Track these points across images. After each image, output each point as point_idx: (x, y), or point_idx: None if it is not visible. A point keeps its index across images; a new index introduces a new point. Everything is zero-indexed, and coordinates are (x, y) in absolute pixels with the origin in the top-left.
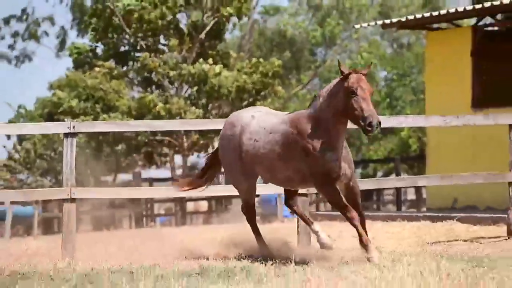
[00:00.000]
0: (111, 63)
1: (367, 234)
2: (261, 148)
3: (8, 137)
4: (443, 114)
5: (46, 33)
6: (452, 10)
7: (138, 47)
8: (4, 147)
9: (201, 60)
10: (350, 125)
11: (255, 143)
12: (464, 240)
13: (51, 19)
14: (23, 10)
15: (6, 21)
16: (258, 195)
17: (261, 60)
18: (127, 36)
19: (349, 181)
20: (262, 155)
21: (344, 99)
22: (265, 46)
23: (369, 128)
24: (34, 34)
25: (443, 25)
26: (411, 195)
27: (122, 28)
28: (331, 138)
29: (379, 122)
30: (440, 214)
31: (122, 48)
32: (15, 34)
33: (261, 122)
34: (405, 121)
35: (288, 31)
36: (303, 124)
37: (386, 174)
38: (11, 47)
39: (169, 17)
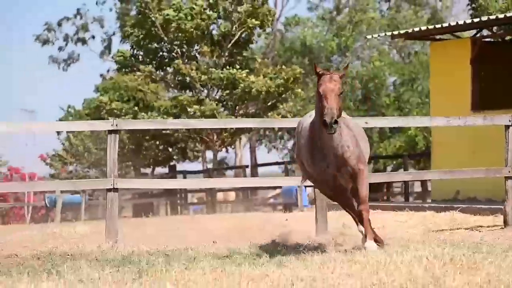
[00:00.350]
0: (150, 68)
1: (361, 222)
2: (302, 145)
3: (58, 133)
4: (446, 115)
5: (93, 37)
6: (453, 23)
7: (174, 54)
8: (58, 138)
9: (228, 66)
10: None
11: (301, 140)
12: (465, 229)
13: (100, 21)
14: (78, 10)
15: (59, 23)
16: (280, 186)
17: (284, 67)
18: (165, 44)
19: (350, 176)
20: (302, 150)
21: (316, 99)
22: (286, 54)
23: (324, 126)
24: (83, 39)
25: (446, 36)
26: (417, 188)
27: (160, 37)
28: (322, 140)
29: (334, 121)
30: (443, 205)
31: (160, 54)
32: (66, 37)
33: (307, 121)
34: (412, 121)
35: (307, 40)
36: (311, 125)
37: (395, 169)
38: (61, 49)
39: (203, 28)
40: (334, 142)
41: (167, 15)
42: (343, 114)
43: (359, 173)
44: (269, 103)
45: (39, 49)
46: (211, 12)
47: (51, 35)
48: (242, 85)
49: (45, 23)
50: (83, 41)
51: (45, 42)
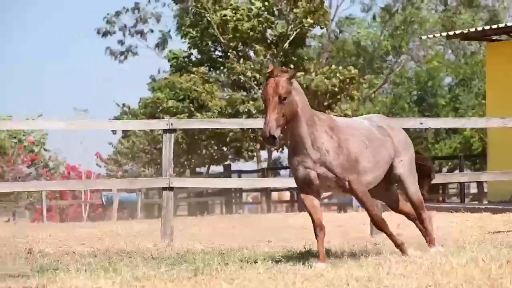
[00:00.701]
0: (204, 68)
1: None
2: None
3: (114, 132)
4: (502, 116)
5: (152, 30)
6: (510, 24)
7: (229, 53)
8: (110, 143)
9: (283, 66)
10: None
11: None
12: None
13: (157, 17)
14: (136, 4)
15: (117, 14)
16: None
17: (340, 68)
18: (220, 44)
19: (339, 185)
20: None
21: None
22: (339, 55)
23: (262, 139)
24: (141, 31)
25: (502, 36)
26: (473, 189)
27: (216, 37)
28: (291, 143)
29: (271, 136)
30: (500, 206)
31: (214, 54)
32: (123, 28)
33: None
34: (468, 123)
35: (361, 41)
36: None
37: (451, 170)
38: (121, 42)
39: (259, 29)
40: (306, 143)
41: (224, 15)
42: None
43: (349, 186)
44: (324, 103)
45: (95, 44)
46: (268, 16)
47: (110, 27)
48: (298, 81)
49: (105, 16)
50: (141, 34)
51: (105, 34)
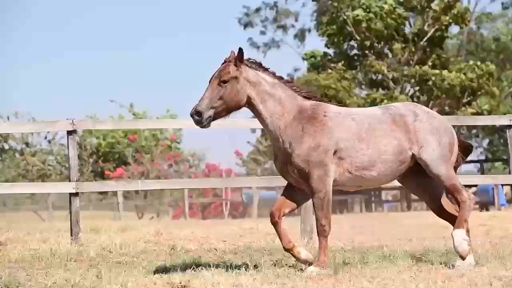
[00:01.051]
0: (341, 66)
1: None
2: None
3: (253, 130)
4: None
5: (293, 26)
6: None
7: (366, 52)
8: (248, 142)
9: (420, 64)
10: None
11: None
12: None
13: (295, 15)
14: (275, 3)
15: (257, 10)
16: (476, 185)
17: (478, 63)
18: (356, 42)
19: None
20: None
21: None
22: (478, 51)
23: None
24: (283, 26)
25: None
26: None
27: (352, 35)
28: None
29: (195, 112)
30: None
31: (351, 52)
32: (265, 20)
33: None
34: None
35: (501, 37)
36: None
37: None
38: (263, 33)
39: (394, 27)
40: (273, 135)
41: (357, 15)
42: (332, 108)
43: (308, 181)
44: (465, 100)
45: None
46: (402, 11)
47: (252, 18)
48: (433, 79)
49: (244, 8)
50: (284, 28)
51: (246, 25)
